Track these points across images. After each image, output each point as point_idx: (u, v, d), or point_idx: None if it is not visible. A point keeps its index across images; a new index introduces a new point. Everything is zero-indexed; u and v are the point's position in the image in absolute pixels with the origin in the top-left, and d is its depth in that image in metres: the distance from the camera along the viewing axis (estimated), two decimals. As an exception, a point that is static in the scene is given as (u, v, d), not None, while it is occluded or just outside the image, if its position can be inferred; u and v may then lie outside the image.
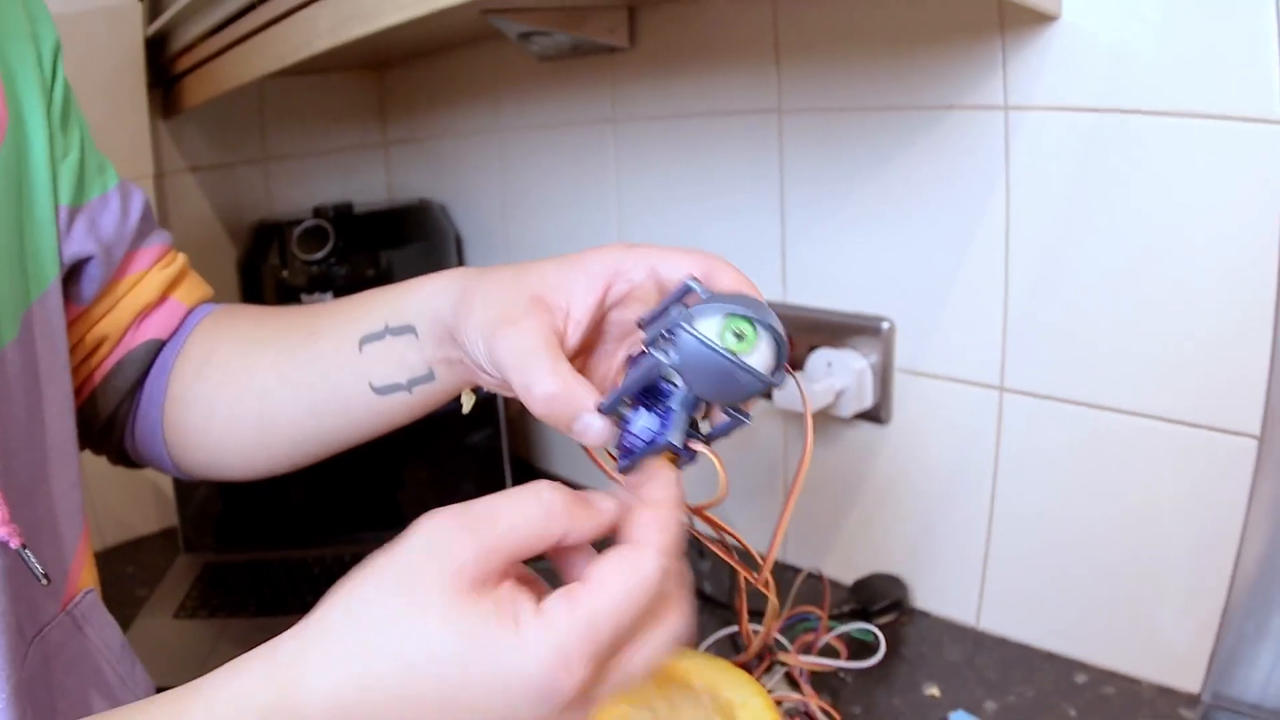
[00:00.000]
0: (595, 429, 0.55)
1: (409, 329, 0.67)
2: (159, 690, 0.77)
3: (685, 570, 0.50)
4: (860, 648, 1.00)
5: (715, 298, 0.53)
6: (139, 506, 1.40)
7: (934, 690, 0.97)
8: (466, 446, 1.33)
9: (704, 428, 0.58)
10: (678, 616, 0.49)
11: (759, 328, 0.52)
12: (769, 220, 1.13)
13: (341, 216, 1.40)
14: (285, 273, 1.37)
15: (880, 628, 0.99)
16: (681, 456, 0.56)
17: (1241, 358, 0.83)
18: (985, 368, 0.99)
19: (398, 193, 1.71)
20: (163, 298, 0.78)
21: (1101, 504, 0.94)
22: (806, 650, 0.98)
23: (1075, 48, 0.87)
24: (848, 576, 1.14)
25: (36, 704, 0.59)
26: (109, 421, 0.78)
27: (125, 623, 0.74)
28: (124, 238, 0.75)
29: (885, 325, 1.04)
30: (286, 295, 1.37)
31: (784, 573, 1.16)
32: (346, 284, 1.35)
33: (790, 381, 0.55)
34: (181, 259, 0.81)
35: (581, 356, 0.61)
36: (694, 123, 1.19)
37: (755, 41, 1.09)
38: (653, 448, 0.54)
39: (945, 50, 0.95)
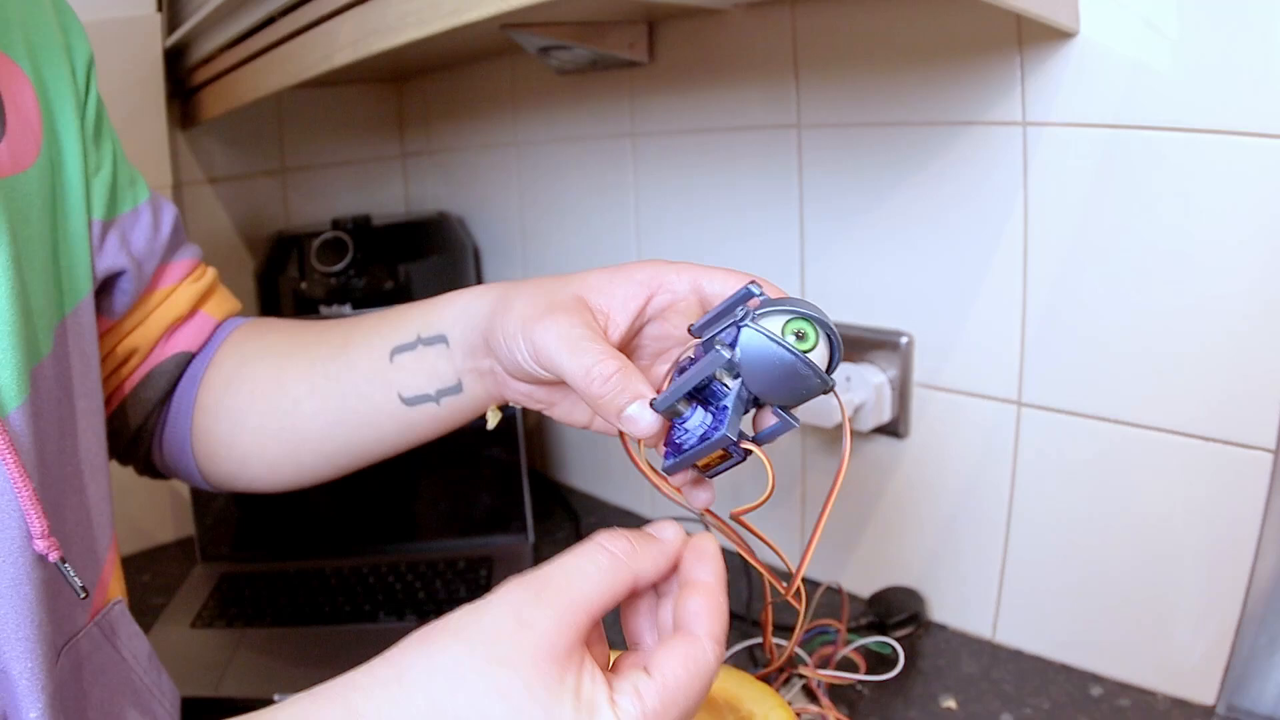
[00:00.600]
0: (646, 420, 0.56)
1: (441, 339, 0.68)
2: (184, 699, 0.78)
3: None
4: (878, 660, 1.00)
5: (776, 301, 0.55)
6: (156, 516, 1.41)
7: (950, 703, 0.97)
8: (484, 460, 1.33)
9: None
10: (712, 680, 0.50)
11: (819, 330, 0.54)
12: (788, 235, 1.14)
13: (360, 228, 1.40)
14: (304, 284, 1.37)
15: (897, 640, 1.00)
16: (733, 455, 0.57)
17: (1257, 372, 0.83)
18: (1003, 382, 0.99)
19: (415, 205, 1.71)
20: (193, 311, 0.79)
21: (1118, 517, 0.95)
22: (824, 663, 0.98)
23: (1093, 64, 0.87)
24: (865, 589, 1.14)
25: (68, 715, 0.60)
26: (137, 433, 0.79)
27: (142, 631, 0.75)
28: (155, 252, 0.75)
29: (904, 340, 1.05)
30: (305, 307, 1.38)
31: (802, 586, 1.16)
32: (365, 296, 1.35)
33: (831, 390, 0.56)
34: (211, 273, 0.82)
35: None
36: (713, 137, 1.19)
37: (774, 57, 1.10)
38: (705, 444, 0.55)
39: (963, 66, 0.95)
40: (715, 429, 0.55)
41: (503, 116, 1.48)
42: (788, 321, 0.54)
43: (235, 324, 0.82)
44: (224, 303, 0.82)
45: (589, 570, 0.49)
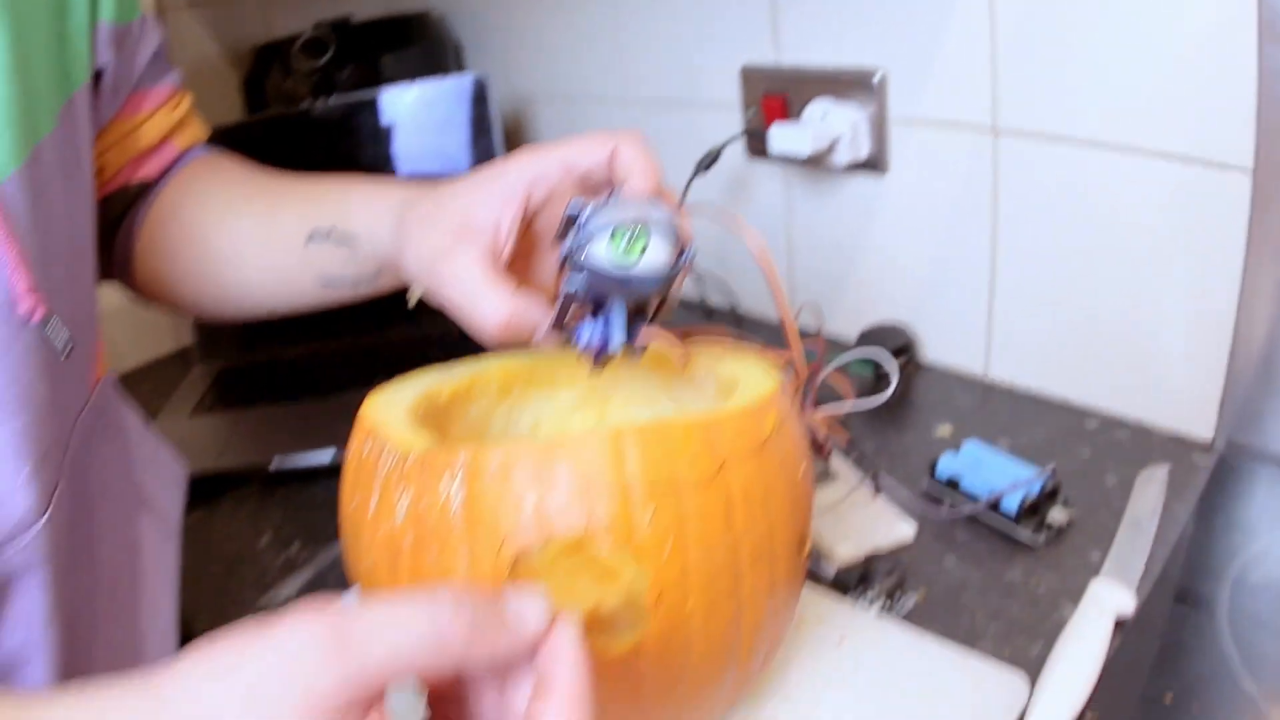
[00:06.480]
0: (550, 342, 0.62)
1: (353, 238, 0.73)
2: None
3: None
4: (867, 391, 1.00)
5: (605, 208, 0.57)
6: (152, 328, 1.43)
7: (945, 430, 0.97)
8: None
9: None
10: None
11: (647, 229, 0.56)
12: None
13: (340, 27, 1.40)
14: (287, 83, 1.37)
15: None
16: (636, 351, 0.63)
17: (1231, 90, 0.80)
18: (977, 110, 0.97)
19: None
20: (162, 141, 0.80)
21: (1102, 246, 0.93)
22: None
23: None
24: (852, 333, 1.13)
25: (65, 477, 0.60)
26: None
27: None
28: (137, 69, 0.76)
29: (877, 77, 1.03)
30: (291, 106, 1.37)
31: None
32: (349, 89, 1.35)
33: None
34: (186, 102, 0.83)
35: (521, 260, 0.67)
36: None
37: None
38: (601, 358, 0.61)
39: None
40: (606, 341, 0.61)
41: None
42: (612, 235, 0.56)
43: (194, 155, 0.83)
44: (190, 131, 0.84)
45: (401, 640, 0.38)
